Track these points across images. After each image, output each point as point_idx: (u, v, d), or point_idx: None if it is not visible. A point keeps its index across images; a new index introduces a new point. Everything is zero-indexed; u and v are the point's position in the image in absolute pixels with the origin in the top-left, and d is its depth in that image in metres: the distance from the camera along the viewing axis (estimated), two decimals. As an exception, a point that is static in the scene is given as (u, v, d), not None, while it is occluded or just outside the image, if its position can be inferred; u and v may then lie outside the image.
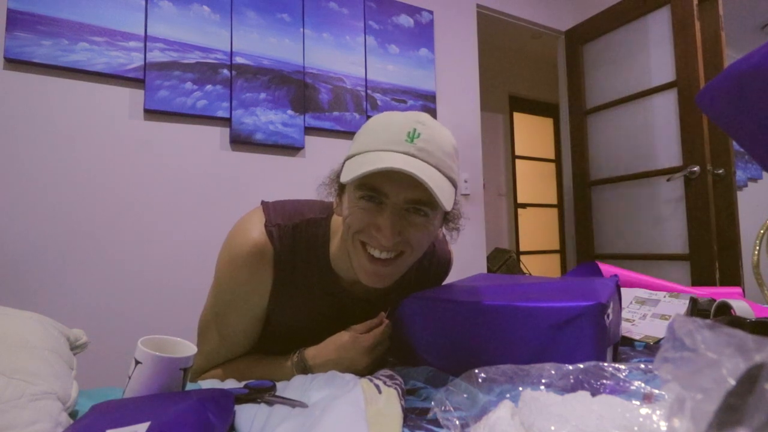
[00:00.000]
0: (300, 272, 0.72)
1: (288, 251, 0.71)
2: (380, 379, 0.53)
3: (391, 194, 0.61)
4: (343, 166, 0.66)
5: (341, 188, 0.68)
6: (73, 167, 1.59)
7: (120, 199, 1.66)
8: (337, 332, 0.71)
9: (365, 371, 0.67)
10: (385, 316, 0.73)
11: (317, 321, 0.75)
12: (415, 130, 0.60)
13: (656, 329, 0.81)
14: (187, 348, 0.55)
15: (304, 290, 0.73)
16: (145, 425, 0.40)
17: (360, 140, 0.64)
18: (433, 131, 0.62)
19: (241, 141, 1.85)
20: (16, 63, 1.52)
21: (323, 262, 0.73)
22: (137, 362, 0.50)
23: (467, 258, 2.53)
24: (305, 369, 0.69)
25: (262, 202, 0.77)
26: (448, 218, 0.70)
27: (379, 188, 0.61)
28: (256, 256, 0.69)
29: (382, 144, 0.60)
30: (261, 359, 0.76)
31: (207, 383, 0.67)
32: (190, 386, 0.60)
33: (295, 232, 0.71)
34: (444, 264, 0.86)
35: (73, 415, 0.52)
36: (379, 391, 0.50)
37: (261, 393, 0.54)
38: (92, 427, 0.41)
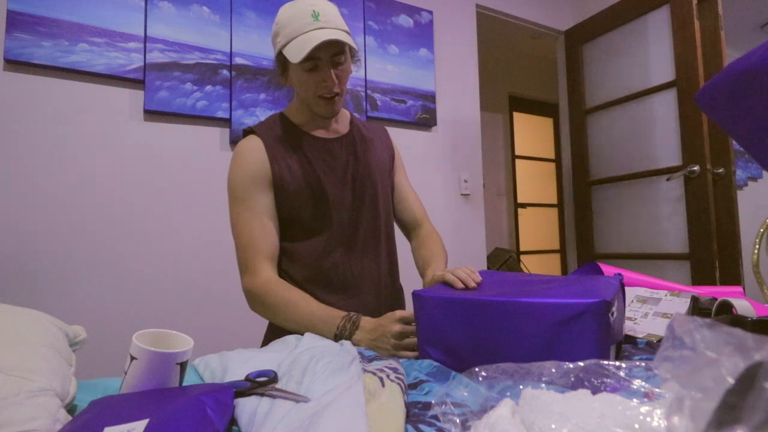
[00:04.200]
0: (280, 140, 0.98)
1: (266, 131, 0.99)
2: (384, 372, 0.53)
3: (323, 56, 0.89)
4: (279, 57, 0.93)
5: (284, 70, 0.96)
6: (72, 168, 1.59)
7: (119, 200, 1.66)
8: (331, 176, 0.98)
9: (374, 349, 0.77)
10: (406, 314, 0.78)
11: (314, 169, 0.97)
12: (314, 11, 0.88)
13: (658, 327, 0.81)
14: (184, 341, 0.55)
15: (289, 151, 0.97)
16: (144, 422, 0.40)
17: (282, 34, 0.90)
18: (324, 6, 0.90)
19: (241, 141, 1.86)
20: (16, 64, 1.52)
21: (290, 125, 1.01)
22: (132, 358, 0.50)
23: (467, 258, 2.53)
24: (354, 325, 0.80)
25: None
26: (353, 54, 0.98)
27: (315, 56, 0.88)
28: (251, 141, 0.97)
29: (302, 29, 0.87)
30: (312, 301, 0.88)
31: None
32: (191, 377, 0.60)
33: (267, 122, 1.03)
34: (378, 126, 1.17)
35: (72, 410, 0.52)
36: (383, 384, 0.50)
37: (263, 386, 0.54)
38: (91, 424, 0.41)
